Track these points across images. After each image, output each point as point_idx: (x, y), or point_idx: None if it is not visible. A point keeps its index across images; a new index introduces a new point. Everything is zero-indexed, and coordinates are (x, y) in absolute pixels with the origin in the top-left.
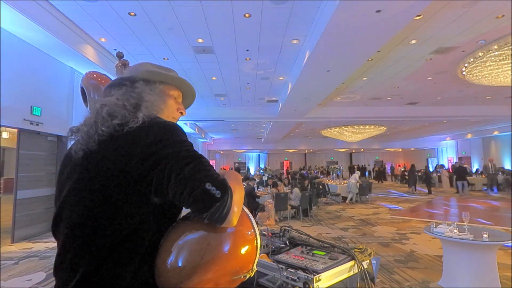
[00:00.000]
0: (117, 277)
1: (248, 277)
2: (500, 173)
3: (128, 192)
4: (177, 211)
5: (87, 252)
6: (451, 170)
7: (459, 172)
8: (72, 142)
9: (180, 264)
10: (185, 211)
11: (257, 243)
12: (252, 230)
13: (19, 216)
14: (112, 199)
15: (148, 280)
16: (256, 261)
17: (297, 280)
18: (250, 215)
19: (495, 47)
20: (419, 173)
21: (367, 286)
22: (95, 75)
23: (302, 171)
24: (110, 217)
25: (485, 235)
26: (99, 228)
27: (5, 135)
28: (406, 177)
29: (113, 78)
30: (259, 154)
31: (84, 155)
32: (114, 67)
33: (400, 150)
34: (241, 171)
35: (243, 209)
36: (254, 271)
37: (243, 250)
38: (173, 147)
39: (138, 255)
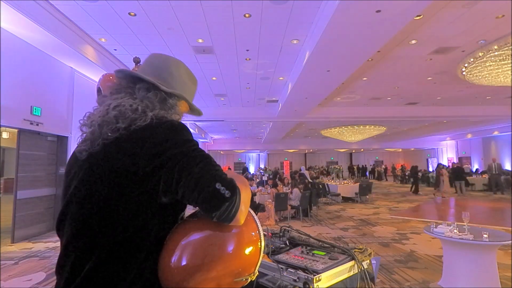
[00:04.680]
0: (120, 275)
1: (249, 280)
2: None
3: (134, 192)
4: (180, 209)
5: (91, 250)
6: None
7: (457, 172)
8: (78, 139)
9: (183, 263)
10: (188, 210)
11: (261, 245)
12: (257, 231)
13: (19, 216)
14: (118, 199)
15: (152, 278)
16: (258, 264)
17: (297, 280)
18: (255, 216)
19: (495, 47)
20: (420, 173)
21: (367, 286)
22: (111, 77)
23: (301, 171)
24: (115, 216)
25: (485, 235)
26: (103, 227)
27: (5, 135)
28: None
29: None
30: (259, 154)
31: (89, 155)
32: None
33: (400, 150)
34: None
35: (249, 210)
36: (256, 274)
37: (247, 251)
38: (181, 146)
39: (141, 253)
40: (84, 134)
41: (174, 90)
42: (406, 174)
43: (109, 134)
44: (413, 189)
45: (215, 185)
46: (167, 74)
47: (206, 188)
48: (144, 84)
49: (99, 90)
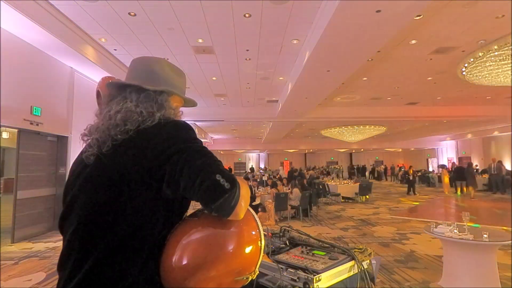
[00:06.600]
0: (123, 273)
1: (250, 279)
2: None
3: (140, 188)
4: (183, 209)
5: (94, 248)
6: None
7: (458, 172)
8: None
9: (185, 262)
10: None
11: (261, 244)
12: (257, 231)
13: (19, 216)
14: (124, 195)
15: (154, 277)
16: (259, 263)
17: (297, 280)
18: (256, 216)
19: (495, 47)
20: (419, 174)
21: (367, 286)
22: (110, 80)
23: (300, 171)
24: (119, 213)
25: (485, 235)
26: (107, 223)
27: (5, 135)
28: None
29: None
30: (259, 154)
31: (97, 158)
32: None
33: (400, 150)
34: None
35: (249, 209)
36: (256, 273)
37: (247, 250)
38: (185, 142)
39: (144, 252)
40: (88, 141)
41: (160, 87)
42: (407, 175)
43: (119, 136)
44: (410, 191)
45: (215, 176)
46: (151, 73)
47: (207, 180)
48: (133, 87)
49: (98, 93)
